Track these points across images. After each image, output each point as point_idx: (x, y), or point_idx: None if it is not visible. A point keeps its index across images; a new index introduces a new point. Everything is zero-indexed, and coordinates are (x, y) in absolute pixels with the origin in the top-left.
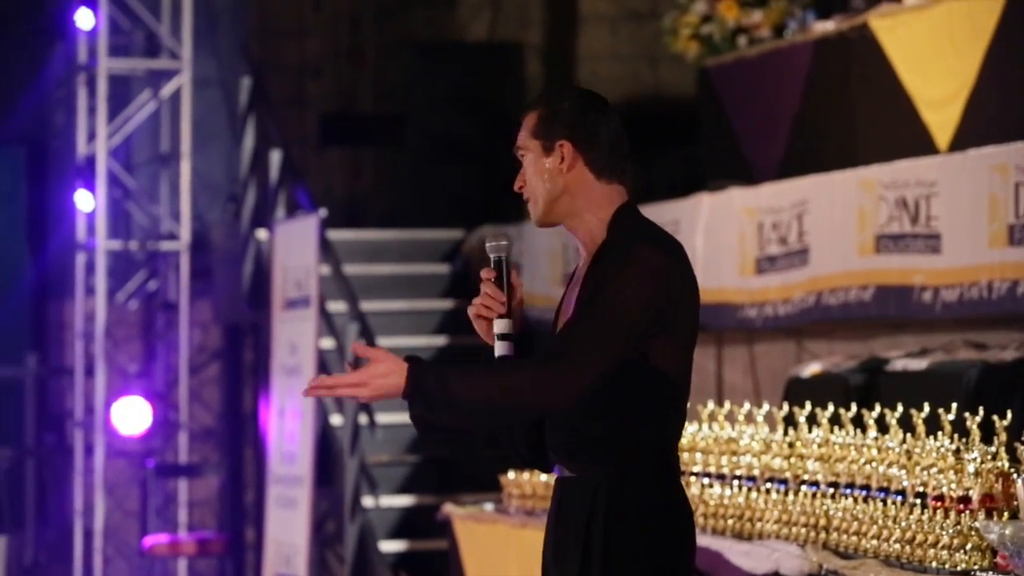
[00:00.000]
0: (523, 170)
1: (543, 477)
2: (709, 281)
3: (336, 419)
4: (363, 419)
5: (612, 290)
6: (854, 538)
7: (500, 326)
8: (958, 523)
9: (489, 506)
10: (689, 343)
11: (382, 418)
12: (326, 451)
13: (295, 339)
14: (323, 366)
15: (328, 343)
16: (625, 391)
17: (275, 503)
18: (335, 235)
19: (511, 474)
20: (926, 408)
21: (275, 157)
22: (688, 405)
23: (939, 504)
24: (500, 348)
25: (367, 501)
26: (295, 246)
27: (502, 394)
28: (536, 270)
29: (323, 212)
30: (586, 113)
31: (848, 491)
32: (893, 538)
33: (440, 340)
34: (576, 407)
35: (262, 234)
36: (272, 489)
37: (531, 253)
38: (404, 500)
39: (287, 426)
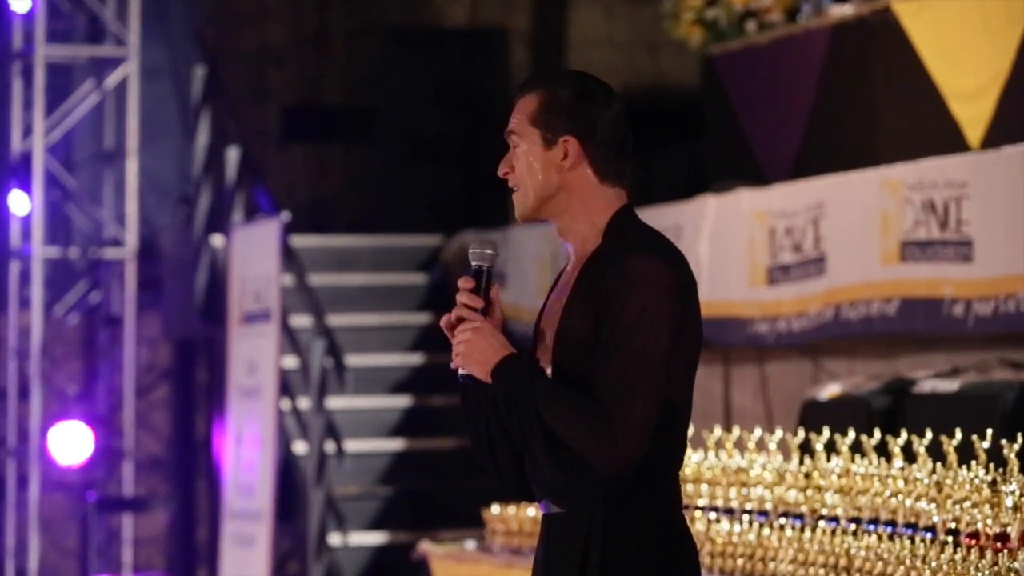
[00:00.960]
0: (511, 155)
1: (531, 512)
2: (715, 293)
3: (300, 447)
4: (330, 447)
5: (630, 322)
6: None
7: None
8: (995, 563)
9: (471, 544)
10: (692, 362)
11: (351, 446)
12: (288, 482)
13: (254, 357)
14: (285, 388)
15: (291, 362)
16: None
17: (231, 541)
18: (299, 241)
19: (495, 508)
20: (958, 434)
21: (232, 155)
22: (690, 431)
23: (973, 542)
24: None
25: (334, 538)
26: (254, 254)
27: (569, 429)
28: (523, 280)
29: (285, 216)
30: (594, 106)
31: (871, 527)
32: None
33: (416, 358)
34: (629, 470)
35: (217, 240)
36: (227, 525)
37: (517, 262)
38: (375, 537)
39: (244, 454)
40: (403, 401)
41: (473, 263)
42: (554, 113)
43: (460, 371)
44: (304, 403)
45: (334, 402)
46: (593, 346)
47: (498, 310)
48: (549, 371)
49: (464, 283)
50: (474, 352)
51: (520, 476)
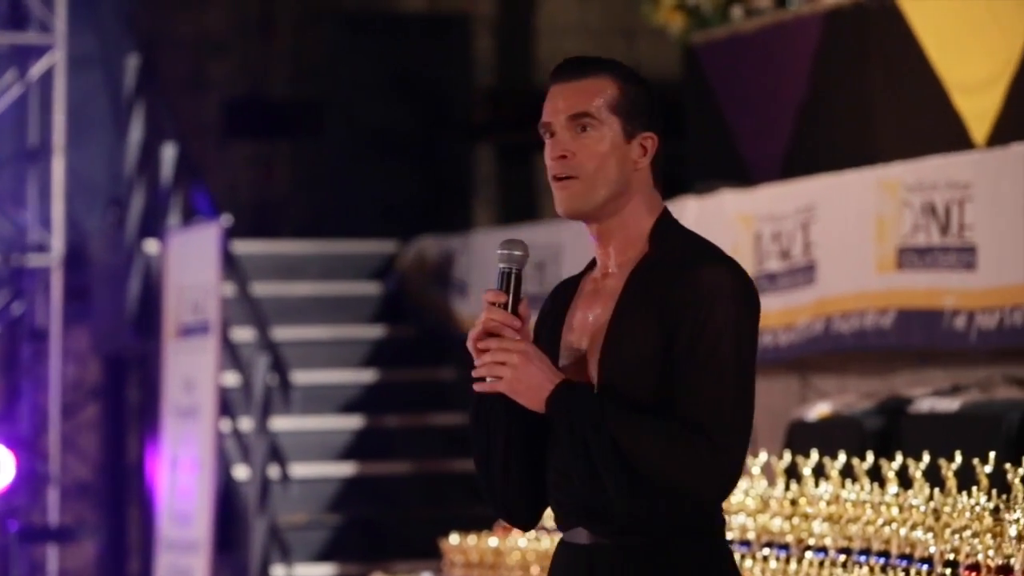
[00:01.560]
0: (569, 137)
1: (493, 542)
2: None
3: (241, 471)
4: (274, 472)
5: (717, 337)
6: None
7: None
8: None
9: None
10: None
11: (297, 470)
12: (228, 510)
13: (191, 374)
14: (226, 407)
15: (232, 379)
16: None
17: (165, 573)
18: (241, 247)
19: (453, 538)
20: (958, 458)
21: (168, 152)
22: None
23: (974, 574)
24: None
25: (278, 571)
26: (192, 261)
27: (663, 458)
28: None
29: (227, 219)
30: (659, 104)
31: (863, 559)
32: None
33: (368, 375)
34: (730, 492)
35: (152, 246)
36: (162, 557)
37: (480, 269)
38: (323, 570)
39: (180, 480)
40: (354, 422)
41: (501, 266)
42: (636, 105)
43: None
44: (246, 424)
45: (279, 423)
46: (658, 363)
47: (527, 323)
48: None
49: (493, 296)
50: (523, 379)
51: (534, 502)
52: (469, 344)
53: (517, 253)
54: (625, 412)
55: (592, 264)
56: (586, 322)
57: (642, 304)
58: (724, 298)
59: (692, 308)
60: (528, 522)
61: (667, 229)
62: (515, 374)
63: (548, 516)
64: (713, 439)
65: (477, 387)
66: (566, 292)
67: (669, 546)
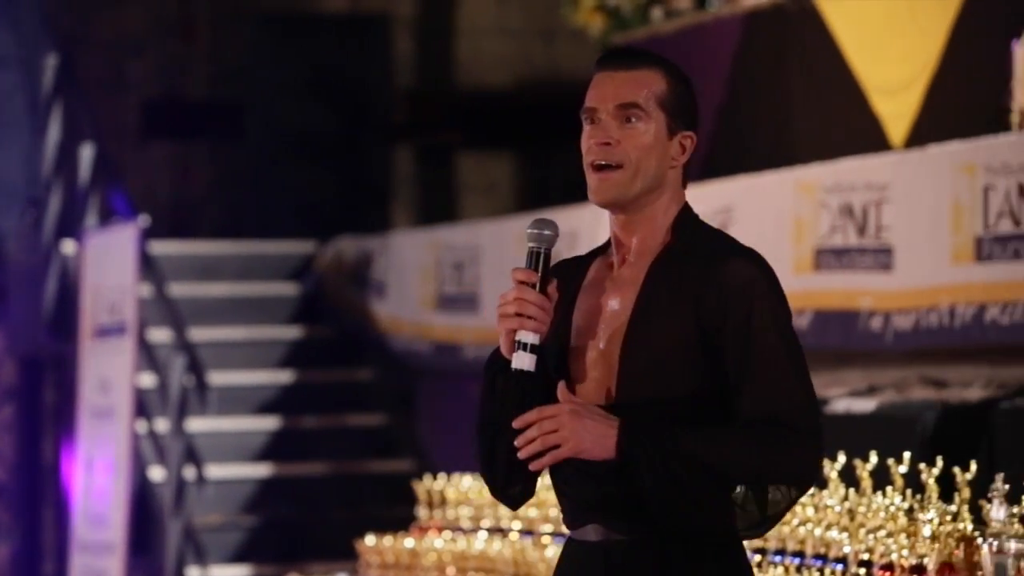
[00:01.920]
0: (615, 125)
1: (408, 543)
2: None
3: (157, 473)
4: (190, 473)
5: (766, 329)
6: None
7: (528, 335)
8: None
9: None
10: None
11: (213, 472)
12: (143, 512)
13: (107, 375)
14: (142, 409)
15: (148, 380)
16: None
17: (80, 575)
18: (159, 248)
19: (369, 539)
20: (873, 458)
21: (86, 153)
22: None
23: (888, 574)
24: (521, 361)
25: (193, 572)
26: (109, 261)
27: (767, 464)
28: (403, 291)
29: (144, 220)
30: (697, 104)
31: (778, 559)
32: None
33: (285, 376)
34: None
35: (69, 247)
36: (76, 559)
37: (399, 270)
38: (239, 571)
39: (96, 481)
40: (270, 423)
41: (530, 244)
42: (682, 103)
43: (517, 365)
44: (162, 425)
45: (195, 424)
46: (689, 354)
47: (554, 301)
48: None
49: (524, 276)
50: (584, 436)
51: (531, 485)
52: (501, 320)
53: (547, 233)
54: (699, 432)
55: (599, 250)
56: (601, 309)
57: (669, 294)
58: (761, 291)
59: (733, 306)
60: (519, 501)
61: (689, 221)
62: (573, 435)
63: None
64: (797, 429)
65: (534, 466)
66: (573, 274)
67: (685, 542)
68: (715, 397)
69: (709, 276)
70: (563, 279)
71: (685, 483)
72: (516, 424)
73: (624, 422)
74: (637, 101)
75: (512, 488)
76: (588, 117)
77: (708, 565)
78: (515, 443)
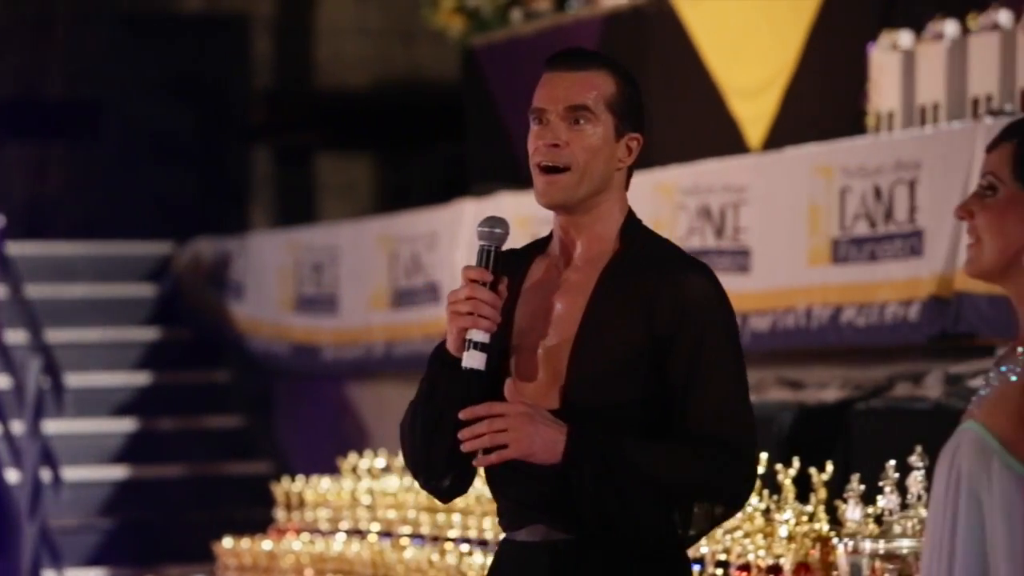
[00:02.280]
0: (564, 127)
1: (266, 546)
2: None
3: (12, 475)
4: (46, 475)
5: (718, 346)
6: None
7: (479, 334)
8: None
9: None
10: None
11: (69, 474)
12: None
13: None
14: None
15: (3, 381)
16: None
17: None
18: (15, 249)
19: (227, 541)
20: None
21: None
22: None
23: (745, 574)
24: (472, 360)
25: (49, 575)
26: None
27: (707, 482)
28: (262, 292)
29: (0, 221)
30: (644, 106)
31: None
32: None
33: (142, 377)
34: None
35: None
36: None
37: (257, 271)
38: (95, 573)
39: None
40: (127, 425)
41: (480, 243)
42: (630, 105)
43: (468, 363)
44: (17, 427)
45: (51, 426)
46: (639, 362)
47: (504, 298)
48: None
49: (476, 274)
50: (534, 439)
51: (464, 481)
52: (453, 318)
53: (499, 231)
54: (644, 444)
55: (539, 246)
56: (548, 313)
57: (621, 302)
58: (714, 307)
59: (688, 320)
60: (450, 495)
61: (636, 229)
62: (523, 438)
63: (322, 518)
64: (738, 450)
65: (479, 461)
66: (513, 270)
67: (632, 540)
68: (659, 406)
69: (664, 287)
70: (505, 273)
71: (627, 494)
72: (464, 415)
73: (572, 429)
74: (586, 103)
75: (444, 481)
76: (536, 118)
77: (653, 566)
78: (460, 435)
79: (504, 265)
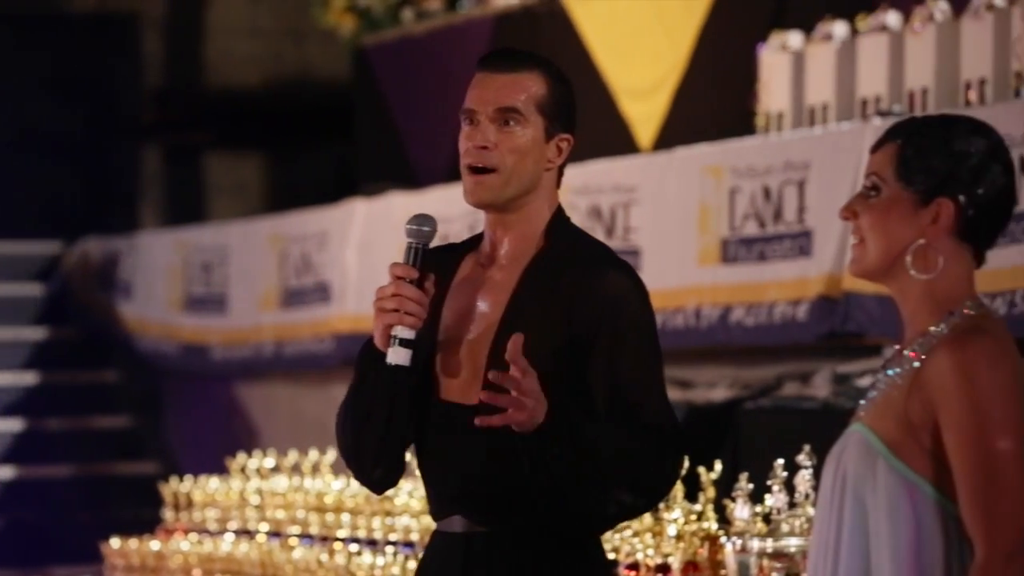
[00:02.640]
0: (493, 129)
1: (154, 546)
2: (363, 306)
3: None
4: None
5: (638, 341)
6: None
7: (405, 330)
8: None
9: None
10: None
11: None
12: None
13: None
14: None
15: None
16: None
17: None
18: None
19: (115, 541)
20: None
21: None
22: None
23: (634, 573)
24: (396, 356)
25: None
26: None
27: (644, 469)
28: (150, 291)
29: None
30: (576, 105)
31: None
32: None
33: (29, 377)
34: None
35: None
36: None
37: (146, 271)
38: None
39: None
40: (13, 424)
41: (408, 240)
42: (560, 106)
43: (393, 360)
44: None
45: None
46: (557, 360)
47: (431, 295)
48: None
49: (403, 271)
50: (538, 416)
51: (395, 473)
52: (380, 315)
53: (426, 229)
54: (596, 424)
55: (472, 244)
56: (472, 310)
57: (542, 301)
58: (633, 304)
59: (607, 317)
60: (384, 487)
61: (562, 226)
62: (537, 413)
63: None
64: (667, 436)
65: (481, 421)
66: (444, 266)
67: (544, 534)
68: (579, 403)
69: (583, 285)
70: (433, 269)
71: (575, 470)
72: (494, 378)
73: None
74: (515, 105)
75: (375, 472)
76: (467, 118)
77: (566, 559)
78: (483, 396)
79: (434, 262)
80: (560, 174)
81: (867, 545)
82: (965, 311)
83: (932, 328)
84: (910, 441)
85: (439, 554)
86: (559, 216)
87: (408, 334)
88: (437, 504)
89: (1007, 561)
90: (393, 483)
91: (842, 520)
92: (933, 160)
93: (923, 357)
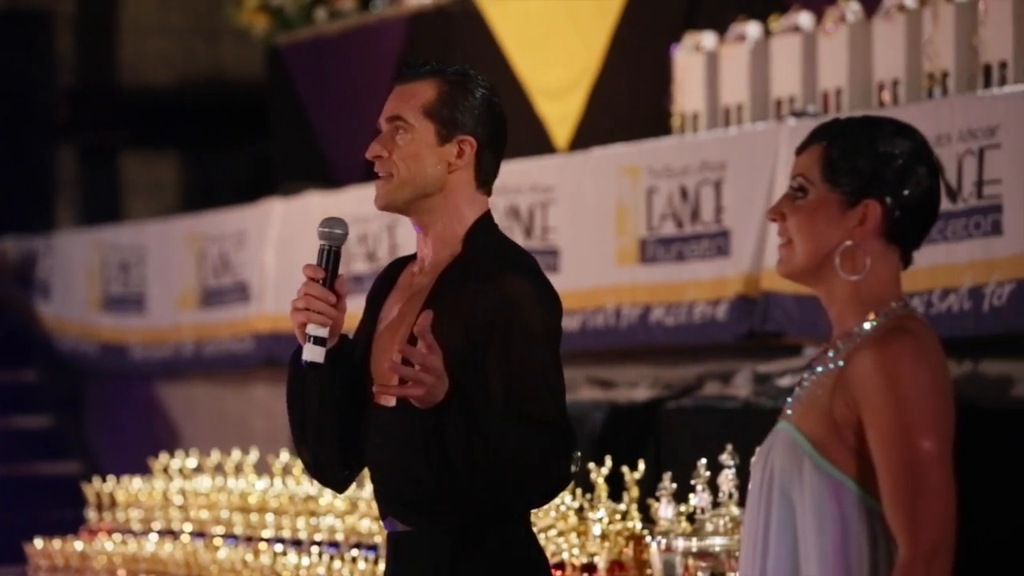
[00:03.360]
0: (387, 138)
1: (78, 546)
2: (281, 306)
3: None
4: None
5: (529, 340)
6: None
7: (316, 328)
8: None
9: None
10: None
11: None
12: None
13: None
14: None
15: None
16: None
17: None
18: None
19: (38, 542)
20: None
21: None
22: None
23: (560, 573)
24: (311, 354)
25: None
26: None
27: (535, 456)
28: (69, 291)
29: None
30: (496, 111)
31: None
32: None
33: None
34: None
35: None
36: None
37: (63, 270)
38: None
39: None
40: None
41: (320, 242)
42: (456, 109)
43: (307, 357)
44: None
45: None
46: (459, 365)
47: (344, 299)
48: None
49: (312, 272)
50: (437, 397)
51: (345, 472)
52: (293, 314)
53: (337, 231)
54: (495, 416)
55: (416, 255)
56: (397, 316)
57: (448, 307)
58: (530, 304)
59: (502, 317)
60: (332, 484)
61: (481, 233)
62: (438, 393)
63: (135, 518)
64: (555, 432)
65: (380, 389)
66: (391, 275)
67: (469, 533)
68: (481, 404)
69: (482, 289)
70: (384, 278)
71: (469, 457)
72: (405, 352)
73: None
74: (401, 114)
75: (318, 466)
76: (377, 129)
77: (480, 555)
78: (387, 365)
79: (388, 267)
80: (480, 177)
81: (795, 543)
82: (890, 311)
83: (857, 328)
84: (835, 440)
85: (387, 554)
86: (481, 221)
87: (319, 332)
88: (379, 505)
89: (929, 560)
90: (340, 480)
91: (770, 518)
92: (858, 161)
93: (847, 356)
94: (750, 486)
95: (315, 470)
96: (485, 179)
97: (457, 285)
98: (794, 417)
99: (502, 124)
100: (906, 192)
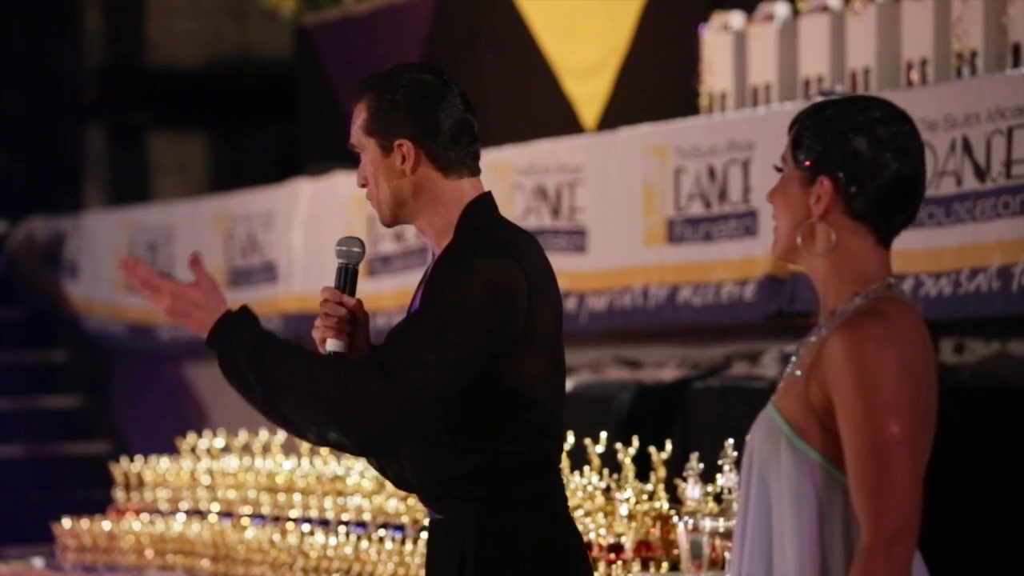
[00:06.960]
0: (360, 166)
1: (106, 526)
2: (310, 285)
3: None
4: None
5: (442, 306)
6: None
7: (333, 344)
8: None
9: (39, 561)
10: (551, 354)
11: None
12: None
13: None
14: None
15: None
16: (481, 420)
17: None
18: None
19: (66, 522)
20: (570, 438)
21: None
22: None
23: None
24: None
25: None
26: None
27: (313, 388)
28: (96, 272)
29: None
30: (423, 101)
31: None
32: None
33: None
34: (395, 439)
35: None
36: None
37: (91, 252)
38: None
39: None
40: None
41: (339, 261)
42: (385, 118)
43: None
44: None
45: None
46: None
47: (362, 315)
48: None
49: (328, 295)
50: (185, 315)
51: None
52: (313, 332)
53: (355, 250)
54: (285, 344)
55: None
56: (412, 307)
57: (425, 288)
58: (462, 270)
59: (438, 280)
60: (391, 479)
61: (469, 220)
62: (172, 310)
63: (162, 498)
64: (387, 369)
65: (124, 262)
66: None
67: (494, 519)
68: (488, 393)
69: (448, 265)
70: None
71: (256, 385)
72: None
73: (229, 312)
74: (353, 141)
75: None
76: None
77: (504, 540)
78: (119, 263)
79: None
80: (444, 167)
81: (769, 528)
82: (870, 292)
83: (841, 308)
84: (811, 421)
85: (427, 546)
86: (469, 211)
87: (336, 346)
88: (419, 497)
89: (890, 544)
90: (393, 473)
91: (748, 498)
92: (813, 139)
93: (826, 338)
94: (742, 468)
95: (402, 484)
96: (448, 165)
97: (435, 270)
98: (776, 398)
99: (433, 103)
100: (859, 168)
